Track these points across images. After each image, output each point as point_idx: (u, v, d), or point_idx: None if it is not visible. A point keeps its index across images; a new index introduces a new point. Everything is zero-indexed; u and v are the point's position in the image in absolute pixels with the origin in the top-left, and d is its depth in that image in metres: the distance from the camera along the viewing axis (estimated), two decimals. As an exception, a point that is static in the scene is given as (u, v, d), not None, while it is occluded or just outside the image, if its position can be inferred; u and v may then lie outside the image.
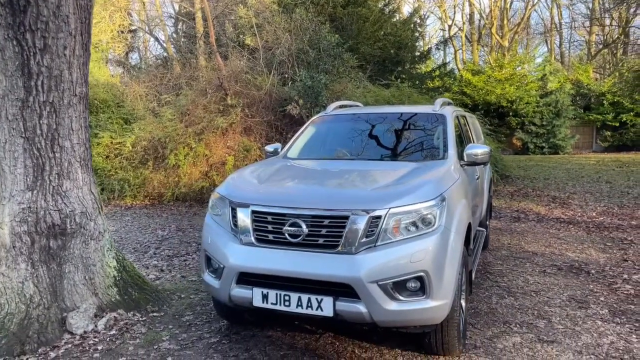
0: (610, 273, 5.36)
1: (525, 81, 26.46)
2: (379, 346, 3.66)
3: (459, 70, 27.44)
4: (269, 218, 3.25)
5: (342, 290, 3.02)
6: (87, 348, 3.60)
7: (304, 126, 5.06)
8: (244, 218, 3.33)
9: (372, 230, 3.04)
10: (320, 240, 3.11)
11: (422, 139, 4.53)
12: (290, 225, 3.16)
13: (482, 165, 5.09)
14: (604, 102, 26.98)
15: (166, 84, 13.87)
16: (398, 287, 3.01)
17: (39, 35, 3.65)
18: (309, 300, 3.07)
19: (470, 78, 26.06)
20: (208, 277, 3.55)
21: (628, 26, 29.41)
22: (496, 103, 25.52)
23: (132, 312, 4.17)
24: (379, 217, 3.05)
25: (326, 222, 3.11)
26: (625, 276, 5.23)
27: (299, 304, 3.09)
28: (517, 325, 4.02)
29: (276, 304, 3.15)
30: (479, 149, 4.15)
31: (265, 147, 4.98)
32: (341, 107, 5.50)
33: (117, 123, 11.67)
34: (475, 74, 26.70)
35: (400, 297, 3.01)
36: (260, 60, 11.68)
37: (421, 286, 3.03)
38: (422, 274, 3.00)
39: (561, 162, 18.03)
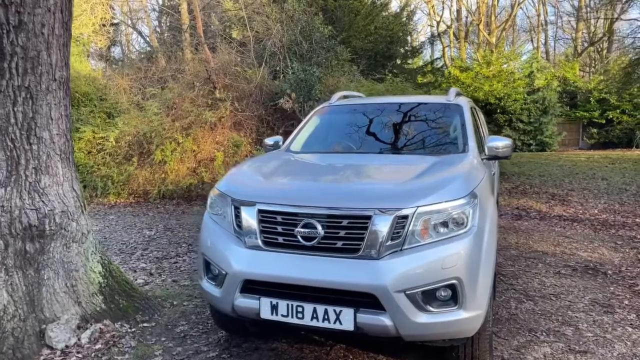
0: (629, 274, 5.09)
1: (512, 78, 26.36)
2: None
3: (447, 67, 27.20)
4: (279, 218, 2.86)
5: (364, 300, 2.64)
6: (69, 366, 3.18)
7: (307, 117, 4.68)
8: (249, 218, 2.93)
9: (398, 232, 2.67)
10: (339, 244, 2.73)
11: (437, 131, 4.17)
12: (304, 227, 2.77)
13: (495, 161, 4.77)
14: (591, 99, 27.08)
15: (151, 77, 13.32)
16: (427, 297, 2.64)
17: (13, 10, 3.21)
18: (326, 312, 2.69)
19: (458, 75, 25.83)
20: (207, 285, 3.15)
21: (617, 18, 29.49)
22: (484, 100, 25.31)
23: (119, 323, 3.75)
24: (405, 217, 2.68)
25: (345, 222, 2.73)
26: (645, 277, 4.96)
27: (314, 316, 2.71)
28: (544, 334, 3.70)
29: (287, 316, 2.77)
30: (500, 141, 3.81)
31: (265, 140, 4.60)
32: (344, 97, 5.13)
33: (99, 117, 11.11)
34: (463, 71, 26.50)
35: (430, 308, 2.64)
36: (251, 53, 11.23)
37: (453, 295, 2.67)
38: (454, 281, 2.64)
39: (552, 159, 17.91)
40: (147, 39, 23.79)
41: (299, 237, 2.78)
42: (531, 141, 25.71)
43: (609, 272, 5.16)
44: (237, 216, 3.01)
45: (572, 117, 27.84)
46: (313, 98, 10.19)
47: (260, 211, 2.91)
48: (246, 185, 3.24)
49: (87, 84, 11.92)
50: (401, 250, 2.67)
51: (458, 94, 4.68)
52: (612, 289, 4.67)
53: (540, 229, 7.31)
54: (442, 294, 2.67)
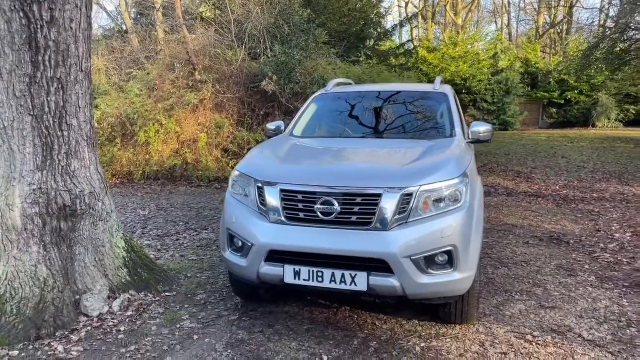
0: (588, 243, 5.76)
1: (477, 59, 27.19)
2: (396, 318, 3.81)
3: (415, 48, 27.77)
4: (300, 197, 3.28)
5: (375, 265, 3.12)
6: (108, 330, 3.55)
7: (306, 104, 5.06)
8: (272, 197, 3.34)
9: (404, 208, 3.15)
10: (353, 218, 3.18)
11: (427, 117, 4.66)
12: (323, 204, 3.20)
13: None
14: (551, 80, 28.23)
15: (126, 58, 13.31)
16: (429, 262, 3.14)
17: (46, 7, 3.46)
18: (343, 276, 3.15)
19: (426, 55, 26.52)
20: (231, 256, 3.55)
21: (576, 3, 30.64)
22: (451, 80, 26.12)
23: (143, 293, 4.13)
24: (410, 195, 3.15)
25: (359, 199, 3.18)
26: (602, 245, 5.64)
27: (333, 279, 3.17)
28: (518, 294, 4.28)
29: (309, 280, 3.21)
30: (482, 126, 4.32)
31: (267, 125, 4.97)
32: (338, 84, 5.53)
33: (79, 98, 11.11)
34: (431, 52, 27.20)
35: (431, 271, 3.14)
36: (232, 34, 11.40)
37: (449, 260, 3.17)
38: (451, 248, 3.14)
39: (515, 138, 18.85)
40: (112, 16, 23.30)
41: (318, 212, 3.21)
42: (495, 121, 26.69)
43: (571, 241, 5.83)
44: (261, 195, 3.41)
45: (533, 98, 28.97)
46: (293, 81, 10.52)
47: (282, 191, 3.32)
48: (265, 167, 3.64)
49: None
50: (407, 222, 3.15)
51: (442, 83, 5.15)
52: (574, 256, 5.32)
53: (509, 204, 7.97)
54: (441, 258, 3.17)
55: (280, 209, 3.31)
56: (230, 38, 11.66)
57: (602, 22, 24.50)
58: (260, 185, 3.43)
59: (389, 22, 29.58)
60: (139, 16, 18.40)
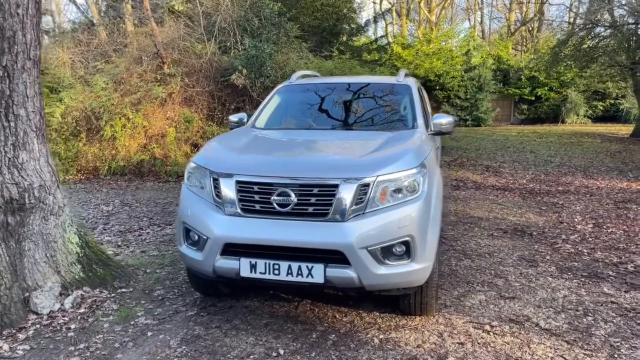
0: (550, 234, 5.83)
1: (451, 56, 27.41)
2: (357, 310, 3.78)
3: (389, 44, 27.83)
4: (256, 188, 3.21)
5: (332, 257, 3.07)
6: (58, 327, 3.42)
7: (269, 96, 4.98)
8: (228, 189, 3.26)
9: (361, 198, 3.10)
10: (310, 209, 3.12)
11: (390, 109, 4.62)
12: (279, 195, 3.14)
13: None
14: (522, 77, 28.66)
15: (93, 51, 12.97)
16: (386, 252, 3.10)
17: (-11, -9, 3.31)
18: (299, 268, 3.09)
19: (400, 52, 26.60)
20: (187, 250, 3.46)
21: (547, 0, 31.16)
22: (424, 77, 26.25)
23: (98, 289, 4.00)
24: (367, 185, 3.11)
25: (315, 190, 3.12)
26: (564, 237, 5.72)
27: (289, 272, 3.11)
28: (479, 285, 4.30)
29: (265, 273, 3.15)
30: (443, 118, 4.31)
31: (230, 117, 4.88)
32: (303, 76, 5.46)
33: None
34: (405, 48, 27.30)
35: (388, 262, 3.11)
36: (201, 27, 11.22)
37: (406, 250, 3.14)
38: (408, 238, 3.11)
39: (487, 133, 19.07)
40: (81, 9, 22.73)
41: (274, 204, 3.15)
42: (467, 117, 26.98)
43: (534, 233, 5.90)
44: (216, 187, 3.33)
45: (505, 94, 29.34)
46: (264, 74, 10.41)
47: (238, 182, 3.24)
48: (223, 158, 3.55)
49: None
50: (364, 213, 3.10)
51: (407, 75, 5.13)
52: (536, 247, 5.38)
53: (476, 197, 8.04)
54: (398, 249, 3.14)
55: (236, 200, 3.23)
56: (199, 31, 11.47)
57: (571, 20, 24.98)
58: (215, 177, 3.35)
59: (364, 17, 29.54)
60: (108, 9, 17.99)
